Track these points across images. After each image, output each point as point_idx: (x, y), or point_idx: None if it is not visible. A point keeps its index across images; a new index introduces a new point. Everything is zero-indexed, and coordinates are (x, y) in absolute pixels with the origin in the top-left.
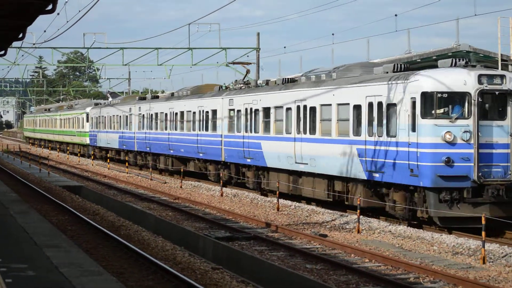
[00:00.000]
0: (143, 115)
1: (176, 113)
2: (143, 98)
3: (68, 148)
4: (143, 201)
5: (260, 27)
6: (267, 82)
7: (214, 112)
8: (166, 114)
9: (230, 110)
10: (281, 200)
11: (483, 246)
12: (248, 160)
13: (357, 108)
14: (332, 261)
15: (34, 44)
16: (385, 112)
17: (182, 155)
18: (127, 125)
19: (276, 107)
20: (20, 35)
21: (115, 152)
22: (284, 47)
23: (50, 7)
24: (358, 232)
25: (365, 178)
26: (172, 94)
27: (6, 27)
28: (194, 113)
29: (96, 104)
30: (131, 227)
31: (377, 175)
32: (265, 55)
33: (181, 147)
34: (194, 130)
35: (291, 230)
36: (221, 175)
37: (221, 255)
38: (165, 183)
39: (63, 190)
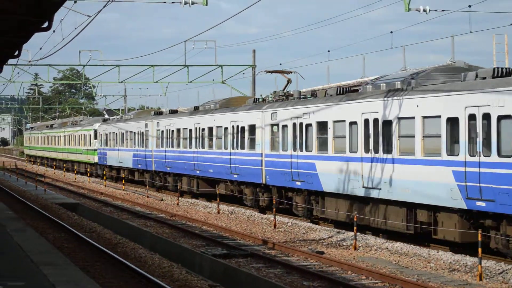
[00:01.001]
0: (162, 131)
1: (203, 129)
2: (159, 113)
3: (75, 167)
4: (139, 218)
5: (256, 45)
6: (313, 93)
7: (252, 127)
8: (190, 130)
9: (272, 125)
10: (277, 217)
11: (480, 263)
12: (298, 184)
13: (453, 121)
14: (329, 278)
15: (30, 61)
16: (496, 126)
17: (211, 176)
18: (143, 142)
19: (336, 122)
20: (16, 53)
21: (127, 172)
22: (280, 64)
23: (46, 24)
24: (355, 249)
25: (464, 207)
26: (196, 108)
27: (1, 44)
28: (226, 128)
29: (105, 120)
30: (128, 244)
31: (482, 203)
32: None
33: (209, 167)
34: (226, 148)
35: (288, 247)
36: (260, 199)
37: (218, 272)
38: (162, 200)
39: (60, 208)
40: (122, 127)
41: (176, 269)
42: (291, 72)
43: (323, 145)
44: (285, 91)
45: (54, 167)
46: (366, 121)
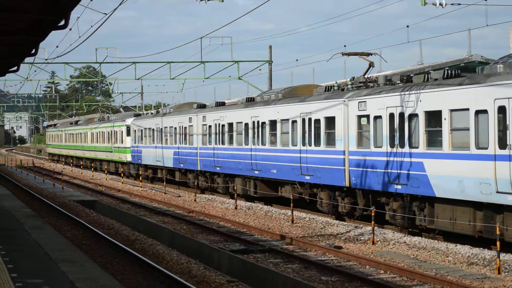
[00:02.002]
0: (210, 126)
1: (263, 123)
2: (202, 106)
3: (104, 167)
4: (157, 214)
5: (272, 40)
6: (403, 78)
7: (330, 120)
8: (246, 125)
9: (360, 116)
10: (295, 212)
11: (498, 256)
12: (397, 187)
13: None
14: (347, 273)
15: (46, 59)
16: None
17: (273, 178)
18: (185, 139)
19: (454, 110)
20: (33, 51)
21: (166, 172)
22: (296, 60)
23: (62, 22)
24: (373, 243)
25: None
26: (251, 99)
27: (18, 43)
28: (293, 122)
29: (138, 115)
30: (146, 240)
31: None
32: (277, 68)
33: (272, 167)
34: (294, 144)
35: (306, 242)
36: (340, 205)
37: (236, 268)
38: (179, 196)
39: (77, 205)
40: (160, 122)
41: (194, 265)
42: (371, 54)
43: (433, 140)
44: (366, 76)
45: (81, 166)
46: (502, 109)
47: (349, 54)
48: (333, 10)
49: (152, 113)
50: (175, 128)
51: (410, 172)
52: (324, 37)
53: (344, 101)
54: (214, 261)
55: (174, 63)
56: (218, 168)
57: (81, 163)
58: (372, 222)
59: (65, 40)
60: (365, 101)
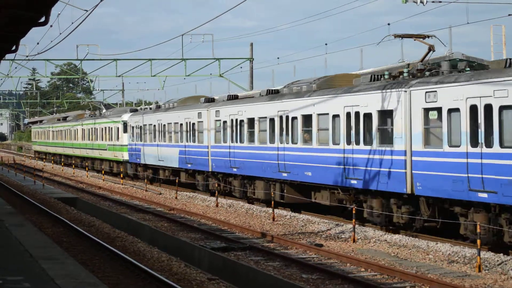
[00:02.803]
0: (225, 122)
1: (294, 118)
2: (210, 100)
3: (102, 166)
4: (138, 212)
5: (253, 38)
6: (472, 64)
7: (385, 114)
8: (271, 120)
9: (428, 110)
10: (276, 210)
11: (479, 254)
12: (482, 195)
13: None
14: (328, 271)
15: (27, 56)
16: None
17: (307, 181)
18: (194, 136)
19: None
20: (13, 47)
21: (169, 173)
22: (278, 58)
23: (43, 19)
24: (354, 241)
25: None
26: (274, 91)
27: None
28: (335, 117)
29: (134, 110)
30: (127, 238)
31: None
32: (259, 66)
33: (305, 169)
34: (336, 143)
35: (287, 240)
36: (395, 215)
37: (216, 265)
38: (160, 194)
39: (58, 202)
40: (163, 118)
41: (175, 263)
42: (428, 37)
43: None
44: (424, 61)
45: (73, 166)
46: None
47: (402, 37)
48: (314, 8)
49: (151, 108)
50: (181, 124)
51: (502, 177)
52: (305, 35)
53: (406, 91)
54: (195, 258)
55: (155, 60)
56: (235, 170)
57: (73, 161)
58: (353, 220)
59: (45, 37)
60: (435, 91)
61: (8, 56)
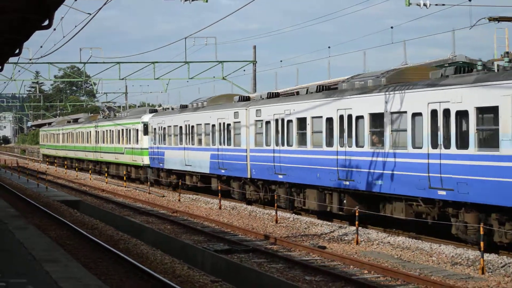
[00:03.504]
0: (268, 122)
1: (359, 118)
2: (245, 98)
3: (124, 172)
4: (141, 215)
5: (256, 41)
6: None
7: (488, 111)
8: (329, 120)
9: None
10: (279, 212)
11: (482, 256)
12: None
13: None
14: (331, 273)
15: (30, 59)
16: None
17: (377, 191)
18: (229, 138)
19: None
20: (17, 51)
21: (198, 179)
22: (281, 61)
23: (46, 22)
24: (357, 243)
25: None
26: (326, 87)
27: (2, 42)
28: (416, 115)
29: (154, 111)
30: (130, 240)
31: None
32: (262, 69)
33: (376, 177)
34: (418, 146)
35: (290, 242)
36: (498, 232)
37: (220, 267)
38: (163, 196)
39: (61, 205)
40: (191, 118)
41: (178, 265)
42: None
43: None
44: None
45: (90, 171)
46: None
47: (499, 20)
48: (317, 11)
49: (173, 108)
50: (213, 125)
51: None
52: (308, 37)
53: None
54: (198, 261)
55: (158, 63)
56: (281, 176)
57: (90, 167)
58: (356, 222)
59: (49, 40)
60: None
61: (11, 59)
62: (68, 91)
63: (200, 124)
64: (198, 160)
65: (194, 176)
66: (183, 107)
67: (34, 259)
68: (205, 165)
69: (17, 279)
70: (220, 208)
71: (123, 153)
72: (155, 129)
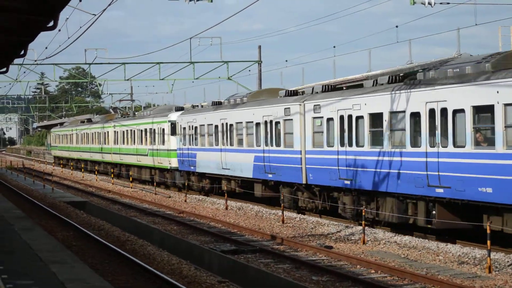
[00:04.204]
0: (329, 119)
1: (456, 112)
2: (293, 93)
3: (142, 175)
4: (148, 215)
5: (261, 40)
6: None
7: None
8: (415, 115)
9: None
10: (285, 213)
11: (489, 255)
12: None
13: None
14: (338, 273)
15: (35, 60)
16: None
17: (482, 200)
18: (278, 138)
19: None
20: (22, 52)
21: (237, 184)
22: (286, 61)
23: (51, 23)
24: (364, 243)
25: None
26: (402, 76)
27: (7, 44)
28: None
29: (180, 109)
30: (136, 241)
31: None
32: (267, 68)
33: (482, 183)
34: None
35: (297, 242)
36: None
37: (227, 268)
38: (170, 197)
39: (68, 206)
40: (229, 116)
41: (185, 266)
42: None
43: None
44: None
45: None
46: None
47: None
48: (322, 10)
49: (201, 106)
50: (257, 124)
51: None
52: (313, 37)
53: None
54: (205, 261)
55: (164, 63)
56: (347, 182)
57: (112, 170)
58: (363, 222)
59: (54, 41)
60: None
61: (16, 60)
62: (74, 92)
63: (241, 123)
64: (239, 163)
65: (232, 181)
66: (216, 104)
67: (40, 260)
68: (247, 168)
69: (23, 281)
70: (226, 208)
71: (146, 155)
72: (184, 128)
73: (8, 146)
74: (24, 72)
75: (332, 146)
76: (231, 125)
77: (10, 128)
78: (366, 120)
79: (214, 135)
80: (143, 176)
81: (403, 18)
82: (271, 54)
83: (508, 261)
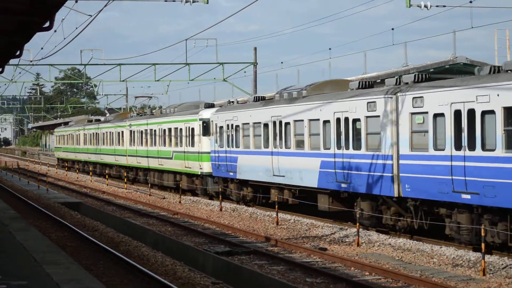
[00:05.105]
0: (438, 115)
1: None
2: (367, 85)
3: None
4: (142, 216)
5: (256, 42)
6: None
7: None
8: None
9: None
10: (280, 214)
11: (483, 258)
12: None
13: None
14: (332, 275)
15: (31, 61)
16: None
17: None
18: (357, 140)
19: None
20: (17, 52)
21: (292, 194)
22: (282, 62)
23: (47, 24)
24: (358, 245)
25: None
26: None
27: (3, 44)
28: None
29: (210, 106)
30: (131, 242)
31: None
32: (262, 70)
33: None
34: None
35: (291, 244)
36: None
37: (221, 269)
38: (164, 198)
39: (62, 207)
40: (285, 113)
41: (179, 267)
42: None
43: None
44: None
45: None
46: None
47: None
48: (318, 12)
49: (237, 102)
50: (326, 121)
51: None
52: (309, 39)
53: None
54: (199, 263)
55: (159, 65)
56: (467, 197)
57: (128, 174)
58: (357, 224)
59: (50, 42)
60: None
61: (12, 61)
62: (69, 93)
63: (301, 121)
64: (298, 169)
65: (285, 190)
66: (259, 99)
67: (35, 261)
68: (310, 176)
69: (18, 281)
70: (220, 210)
71: (171, 158)
72: (221, 128)
73: (3, 147)
74: (20, 73)
75: (443, 150)
76: (287, 123)
77: (5, 129)
78: (499, 116)
79: (262, 135)
80: (165, 181)
81: (399, 21)
82: (266, 56)
83: (502, 264)
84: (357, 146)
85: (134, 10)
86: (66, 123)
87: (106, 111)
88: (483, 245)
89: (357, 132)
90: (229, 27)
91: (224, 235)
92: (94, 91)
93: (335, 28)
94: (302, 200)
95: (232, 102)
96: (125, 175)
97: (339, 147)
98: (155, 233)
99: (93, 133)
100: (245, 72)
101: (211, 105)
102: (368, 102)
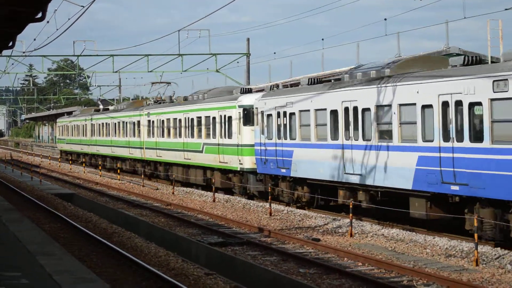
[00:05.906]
0: None
1: None
2: (477, 61)
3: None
4: (135, 208)
5: (249, 33)
6: None
7: None
8: None
9: None
10: (273, 205)
11: (476, 248)
12: None
13: None
14: (325, 265)
15: (24, 52)
16: None
17: None
18: (474, 129)
19: None
20: (10, 44)
21: (368, 196)
22: (274, 53)
23: (39, 15)
24: (351, 236)
25: None
26: None
27: None
28: None
29: (247, 91)
30: (124, 234)
31: None
32: (255, 61)
33: None
34: None
35: (284, 235)
36: None
37: (214, 260)
38: (157, 189)
39: (55, 198)
40: (361, 97)
41: (172, 258)
42: None
43: None
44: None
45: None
46: None
47: None
48: (311, 2)
49: (285, 86)
50: (425, 106)
51: None
52: (302, 29)
53: None
54: (192, 253)
55: (152, 56)
56: None
57: (145, 170)
58: (350, 215)
59: (42, 33)
60: None
61: (5, 52)
62: (62, 84)
63: (387, 106)
64: (381, 166)
65: (360, 192)
66: (315, 82)
67: (28, 252)
68: (400, 174)
69: (11, 272)
70: (214, 200)
71: (201, 151)
72: (269, 116)
73: None
74: (12, 64)
75: None
76: (365, 109)
77: None
78: None
79: (329, 124)
80: (191, 178)
81: (392, 11)
82: (259, 47)
83: (495, 254)
84: (477, 138)
85: (127, 1)
86: (69, 113)
87: (99, 102)
88: (475, 235)
89: (478, 120)
90: (222, 18)
91: (217, 226)
92: (87, 82)
93: (328, 18)
94: (381, 205)
95: (277, 86)
96: (141, 170)
97: (446, 139)
98: (148, 224)
99: (103, 123)
100: (238, 62)
101: (248, 90)
102: (494, 81)
